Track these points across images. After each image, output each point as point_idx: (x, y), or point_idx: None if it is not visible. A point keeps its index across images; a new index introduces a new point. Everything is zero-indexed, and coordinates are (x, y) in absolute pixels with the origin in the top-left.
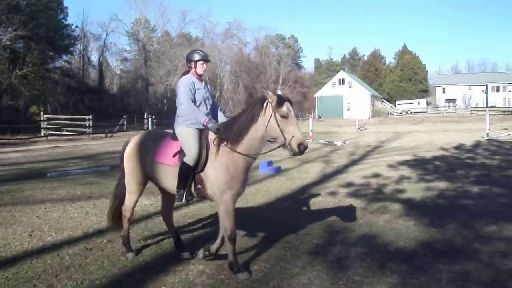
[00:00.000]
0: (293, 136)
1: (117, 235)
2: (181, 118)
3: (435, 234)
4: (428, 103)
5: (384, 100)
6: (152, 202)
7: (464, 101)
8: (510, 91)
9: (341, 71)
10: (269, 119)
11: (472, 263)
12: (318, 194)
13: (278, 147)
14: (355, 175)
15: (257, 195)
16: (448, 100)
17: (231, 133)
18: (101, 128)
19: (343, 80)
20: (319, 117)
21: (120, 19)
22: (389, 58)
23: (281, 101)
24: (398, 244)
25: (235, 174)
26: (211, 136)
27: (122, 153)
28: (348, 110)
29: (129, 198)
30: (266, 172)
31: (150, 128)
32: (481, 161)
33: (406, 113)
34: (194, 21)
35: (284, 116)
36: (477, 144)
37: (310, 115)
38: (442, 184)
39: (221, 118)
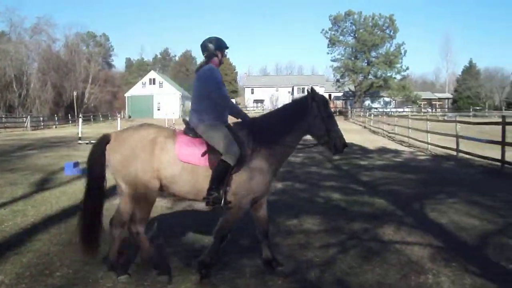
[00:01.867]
0: (338, 135)
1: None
2: (208, 114)
3: (239, 230)
4: (237, 103)
5: None
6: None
7: (271, 102)
8: None
9: (152, 71)
10: (315, 118)
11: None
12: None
13: (317, 145)
14: None
15: (62, 197)
16: (256, 101)
17: (269, 132)
18: None
19: (154, 79)
20: (129, 117)
21: None
22: (200, 59)
23: (327, 100)
24: (203, 241)
25: (267, 175)
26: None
27: (97, 154)
28: (159, 110)
29: (141, 216)
30: (72, 173)
31: None
32: None
33: None
34: (0, 14)
35: (330, 116)
36: None
37: (119, 115)
38: None
39: None
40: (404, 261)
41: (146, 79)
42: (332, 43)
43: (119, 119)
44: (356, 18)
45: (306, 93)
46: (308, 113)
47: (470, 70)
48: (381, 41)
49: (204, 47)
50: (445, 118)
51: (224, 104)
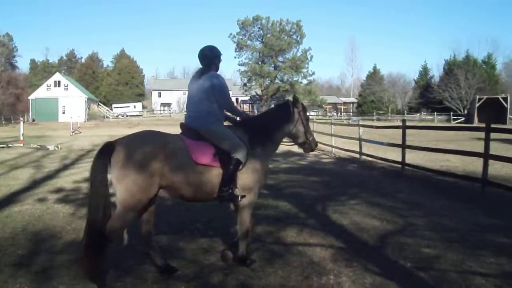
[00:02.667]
0: (312, 137)
1: None
2: (213, 116)
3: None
4: (144, 107)
5: (100, 104)
6: None
7: (179, 105)
8: None
9: (57, 73)
10: (296, 122)
11: (177, 261)
12: (26, 202)
13: (294, 145)
14: (66, 180)
15: None
16: (163, 104)
17: (263, 131)
18: None
19: (59, 82)
20: (33, 120)
21: None
22: (107, 61)
23: (305, 107)
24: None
25: (264, 168)
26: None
27: (101, 164)
28: (64, 113)
29: (126, 217)
30: None
31: None
32: None
33: (122, 116)
34: None
35: (307, 120)
36: None
37: (22, 118)
38: None
39: None
40: (306, 262)
41: (51, 81)
42: (240, 47)
43: (21, 123)
44: (264, 23)
45: (290, 99)
46: (293, 117)
47: (374, 76)
48: (288, 46)
49: (203, 55)
50: (350, 122)
51: (230, 107)
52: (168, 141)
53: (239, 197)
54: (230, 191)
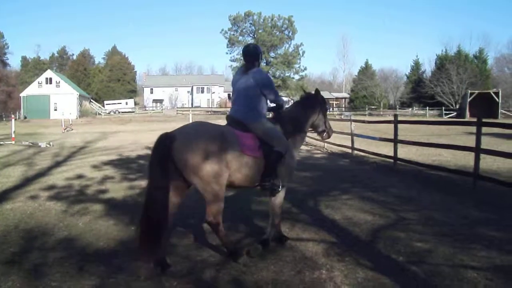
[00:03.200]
0: (330, 125)
1: None
2: (259, 111)
3: (134, 232)
4: (136, 103)
5: (92, 100)
6: None
7: (171, 102)
8: (213, 92)
9: (49, 70)
10: (319, 113)
11: (170, 257)
12: (18, 199)
13: (314, 133)
14: (58, 177)
15: None
16: (155, 101)
17: (295, 123)
18: None
19: (51, 79)
20: (25, 118)
21: None
22: (99, 58)
23: (325, 99)
24: (98, 245)
25: (296, 157)
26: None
27: (163, 154)
28: (55, 110)
29: (217, 208)
30: None
31: None
32: None
33: (114, 113)
34: None
35: (326, 110)
36: None
37: (13, 116)
38: (144, 182)
39: None
40: (299, 257)
41: (42, 78)
42: (232, 43)
43: (13, 120)
44: (255, 19)
45: (313, 92)
46: (317, 109)
47: (366, 71)
48: (280, 41)
49: (248, 52)
50: (342, 117)
51: (275, 100)
52: (223, 131)
53: (280, 187)
54: (272, 181)
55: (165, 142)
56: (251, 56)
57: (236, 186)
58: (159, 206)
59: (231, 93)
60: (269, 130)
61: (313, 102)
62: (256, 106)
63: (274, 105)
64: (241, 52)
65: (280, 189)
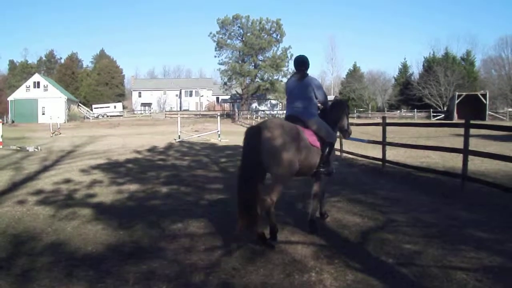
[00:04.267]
0: (350, 127)
1: None
2: (313, 110)
3: (123, 236)
4: (124, 107)
5: (80, 104)
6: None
7: (159, 105)
8: (202, 96)
9: (36, 74)
10: (345, 116)
11: (158, 261)
12: (6, 204)
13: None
14: (46, 181)
15: None
16: (144, 104)
17: (333, 121)
18: None
19: (38, 83)
20: (13, 122)
21: None
22: (87, 62)
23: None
24: (86, 249)
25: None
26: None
27: (255, 143)
28: (43, 114)
29: (279, 190)
30: None
31: None
32: (172, 162)
33: (103, 116)
34: None
35: (348, 114)
36: (169, 146)
37: (1, 120)
38: (133, 186)
39: None
40: (288, 260)
41: (30, 82)
42: (220, 46)
43: (0, 124)
44: (243, 22)
45: (337, 97)
46: (346, 112)
47: (354, 73)
48: (268, 45)
49: (302, 61)
50: None
51: (325, 102)
52: (297, 127)
53: (334, 171)
54: (327, 167)
55: (255, 134)
56: (304, 65)
57: (300, 174)
58: (250, 187)
59: (286, 96)
60: (321, 124)
61: (344, 107)
62: (310, 105)
63: (322, 106)
64: (293, 62)
65: (332, 174)
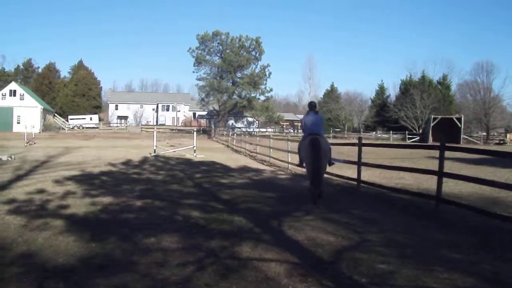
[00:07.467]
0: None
1: None
2: (322, 131)
3: (95, 249)
4: (100, 119)
5: (56, 115)
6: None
7: (135, 119)
8: (179, 111)
9: (13, 82)
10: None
11: (130, 275)
12: None
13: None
14: (19, 191)
15: None
16: (120, 117)
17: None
18: None
19: (15, 91)
20: None
21: None
22: (65, 72)
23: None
24: (57, 261)
25: None
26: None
27: (319, 143)
28: (19, 123)
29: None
30: None
31: None
32: (146, 176)
33: (78, 128)
34: None
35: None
36: (145, 160)
37: None
38: (106, 199)
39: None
40: (261, 277)
41: (6, 90)
42: (199, 62)
43: None
44: (223, 39)
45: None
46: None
47: (331, 94)
48: (247, 62)
49: (315, 105)
50: None
51: (322, 130)
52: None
53: (334, 162)
54: (331, 161)
55: (316, 141)
56: (315, 107)
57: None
58: (317, 164)
59: (309, 122)
60: (323, 138)
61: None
62: (321, 129)
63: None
64: (307, 104)
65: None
